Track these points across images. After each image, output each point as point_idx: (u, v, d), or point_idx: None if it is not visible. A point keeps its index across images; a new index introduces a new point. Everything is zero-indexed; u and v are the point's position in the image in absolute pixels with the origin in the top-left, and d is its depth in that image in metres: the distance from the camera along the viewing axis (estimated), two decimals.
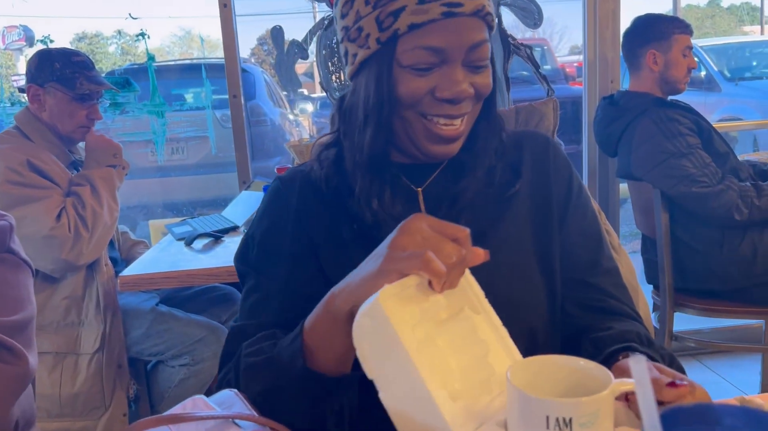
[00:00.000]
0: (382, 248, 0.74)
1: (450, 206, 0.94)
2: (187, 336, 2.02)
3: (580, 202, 1.00)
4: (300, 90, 5.65)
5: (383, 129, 0.90)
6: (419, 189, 0.97)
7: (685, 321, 2.50)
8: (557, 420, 0.58)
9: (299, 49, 2.31)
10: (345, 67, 0.97)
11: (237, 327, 0.94)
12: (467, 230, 0.72)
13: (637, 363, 0.43)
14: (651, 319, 2.19)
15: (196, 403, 0.76)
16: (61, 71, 2.01)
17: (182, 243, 2.08)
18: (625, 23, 2.44)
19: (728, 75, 5.70)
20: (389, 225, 0.91)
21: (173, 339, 2.02)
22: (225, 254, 1.93)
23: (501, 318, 0.76)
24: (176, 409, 0.74)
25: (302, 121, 5.10)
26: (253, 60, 5.93)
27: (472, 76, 0.88)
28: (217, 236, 2.08)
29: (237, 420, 0.72)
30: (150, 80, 2.55)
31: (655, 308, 2.39)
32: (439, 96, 0.87)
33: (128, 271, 1.86)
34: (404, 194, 0.96)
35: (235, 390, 0.79)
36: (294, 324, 0.88)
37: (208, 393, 0.81)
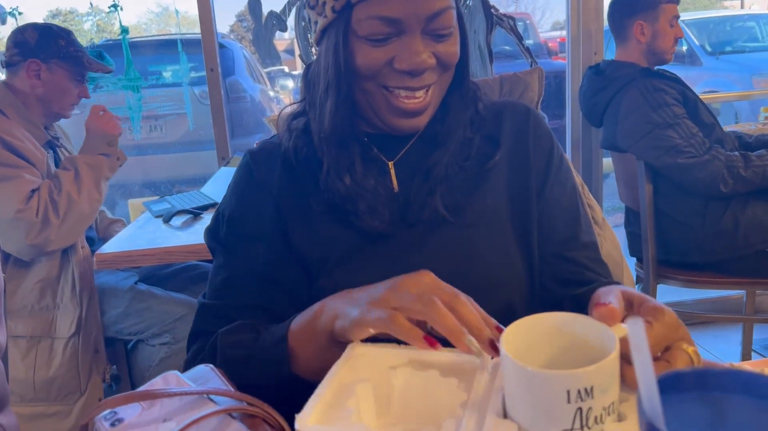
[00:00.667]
0: (379, 290, 0.71)
1: (424, 179, 0.91)
2: (167, 315, 1.98)
3: (560, 174, 0.97)
4: (281, 67, 5.57)
5: (344, 100, 0.87)
6: (390, 162, 0.94)
7: (668, 293, 2.51)
8: (579, 392, 0.54)
9: (277, 21, 2.26)
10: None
11: (206, 305, 0.91)
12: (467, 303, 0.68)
13: (634, 325, 0.41)
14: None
15: (168, 379, 0.72)
16: (66, 49, 1.99)
17: (160, 220, 2.04)
18: None
19: (709, 49, 5.70)
20: (362, 197, 0.89)
21: (153, 317, 1.98)
22: (203, 231, 1.89)
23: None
24: (148, 386, 0.71)
25: (283, 97, 5.03)
26: (232, 36, 5.83)
27: (434, 45, 0.84)
28: (195, 213, 2.04)
29: (212, 396, 0.69)
30: (124, 54, 2.47)
31: (638, 280, 2.39)
32: (397, 67, 0.83)
33: (105, 249, 1.82)
34: (376, 167, 0.93)
35: (211, 366, 0.76)
36: (261, 308, 0.88)
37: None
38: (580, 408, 0.54)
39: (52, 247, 1.84)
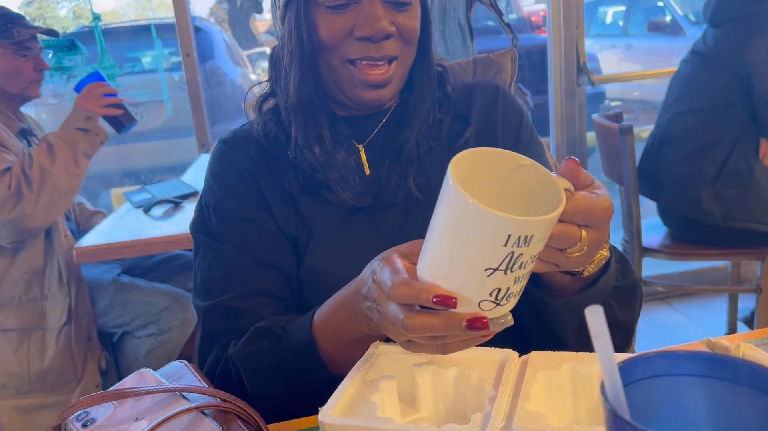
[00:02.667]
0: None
1: (395, 161, 0.92)
2: (152, 306, 1.97)
3: (529, 147, 0.98)
4: (262, 48, 5.50)
5: (308, 70, 0.87)
6: (360, 145, 0.95)
7: (654, 266, 2.52)
8: (519, 238, 0.53)
9: (253, 2, 2.22)
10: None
11: (210, 306, 0.89)
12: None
13: (593, 313, 0.40)
14: None
15: (143, 376, 0.72)
16: None
17: (140, 211, 2.02)
18: None
19: (693, 19, 5.68)
20: (332, 167, 0.88)
21: (137, 309, 1.97)
22: (185, 220, 1.87)
23: None
24: (121, 384, 0.70)
25: (264, 80, 4.96)
26: (212, 20, 5.74)
27: (393, 14, 0.85)
28: (176, 202, 2.02)
29: (186, 393, 0.68)
30: (97, 41, 2.43)
31: (625, 254, 2.40)
32: (358, 35, 0.84)
33: (84, 242, 1.80)
34: (346, 148, 0.93)
35: (185, 362, 0.76)
36: (264, 293, 0.88)
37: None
38: (512, 253, 0.54)
39: (32, 223, 1.80)
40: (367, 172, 0.93)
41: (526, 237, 0.54)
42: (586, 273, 0.72)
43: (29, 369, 1.89)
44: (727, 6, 2.18)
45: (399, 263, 0.63)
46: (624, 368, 0.45)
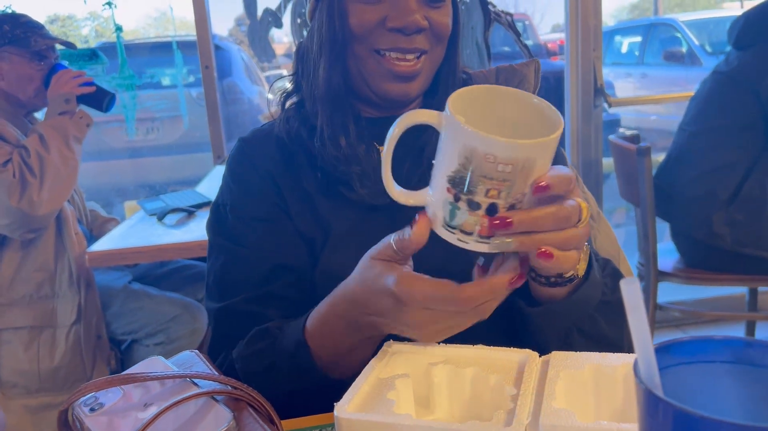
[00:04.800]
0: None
1: (415, 163, 0.90)
2: (161, 314, 1.96)
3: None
4: (279, 70, 5.55)
5: (338, 60, 0.87)
6: (381, 147, 0.93)
7: (670, 292, 2.48)
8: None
9: (273, 18, 2.24)
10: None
11: (223, 308, 0.88)
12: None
13: (629, 285, 0.38)
14: None
15: (153, 363, 0.70)
16: (12, 33, 1.92)
17: (154, 218, 2.02)
18: None
19: (709, 49, 5.69)
20: (355, 162, 0.87)
21: (146, 317, 1.96)
22: (198, 228, 1.87)
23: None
24: (131, 370, 0.69)
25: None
26: (231, 40, 5.81)
27: (427, 9, 0.85)
28: (190, 211, 2.01)
29: (197, 380, 0.66)
30: (118, 52, 2.45)
31: (640, 278, 2.36)
32: (390, 26, 0.83)
33: (96, 246, 1.79)
34: (367, 150, 0.91)
35: (197, 351, 0.74)
36: (277, 296, 0.87)
37: None
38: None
39: (40, 210, 1.80)
40: None
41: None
42: (566, 275, 0.71)
43: (39, 368, 1.88)
44: (753, 29, 2.17)
45: (425, 277, 0.66)
46: (658, 352, 0.43)
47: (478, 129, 0.57)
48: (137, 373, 0.65)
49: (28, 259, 1.88)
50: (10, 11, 2.33)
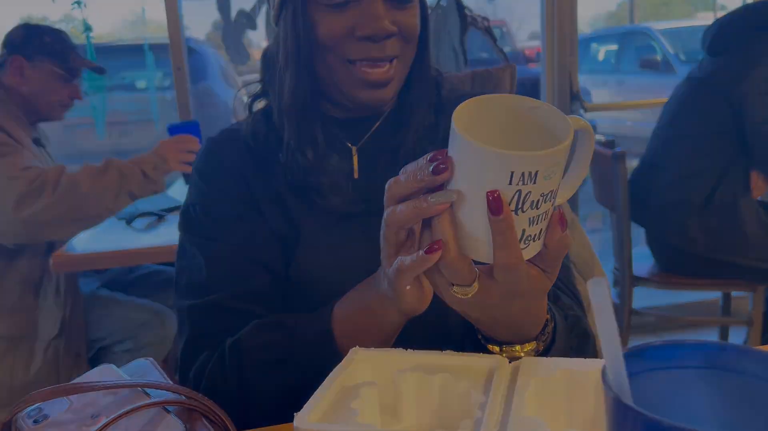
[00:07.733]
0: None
1: (389, 164, 0.87)
2: (129, 321, 1.91)
3: None
4: (257, 74, 5.50)
5: (304, 71, 0.84)
6: (354, 147, 0.91)
7: (645, 298, 2.49)
8: (522, 174, 0.53)
9: (247, 19, 2.21)
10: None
11: (195, 306, 0.85)
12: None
13: (596, 286, 0.36)
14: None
15: (103, 372, 0.66)
16: (52, 46, 1.93)
17: (123, 222, 1.97)
18: None
19: (683, 58, 5.76)
20: (324, 172, 0.85)
21: (114, 324, 1.91)
22: (168, 232, 1.82)
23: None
24: (80, 379, 0.65)
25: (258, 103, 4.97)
26: (209, 44, 5.76)
27: (395, 12, 0.82)
28: (160, 215, 1.97)
29: (149, 390, 0.63)
30: (88, 52, 2.40)
31: (615, 283, 2.37)
32: (359, 34, 0.81)
33: (63, 250, 1.74)
34: (338, 151, 0.90)
35: (151, 359, 0.71)
36: (252, 293, 0.85)
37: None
38: (519, 191, 0.54)
39: (41, 234, 1.75)
40: (356, 176, 0.90)
41: (530, 173, 0.53)
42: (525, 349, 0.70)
43: (12, 381, 1.82)
44: (727, 35, 2.19)
45: None
46: (629, 357, 0.41)
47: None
48: (84, 382, 0.62)
49: (13, 267, 1.81)
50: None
